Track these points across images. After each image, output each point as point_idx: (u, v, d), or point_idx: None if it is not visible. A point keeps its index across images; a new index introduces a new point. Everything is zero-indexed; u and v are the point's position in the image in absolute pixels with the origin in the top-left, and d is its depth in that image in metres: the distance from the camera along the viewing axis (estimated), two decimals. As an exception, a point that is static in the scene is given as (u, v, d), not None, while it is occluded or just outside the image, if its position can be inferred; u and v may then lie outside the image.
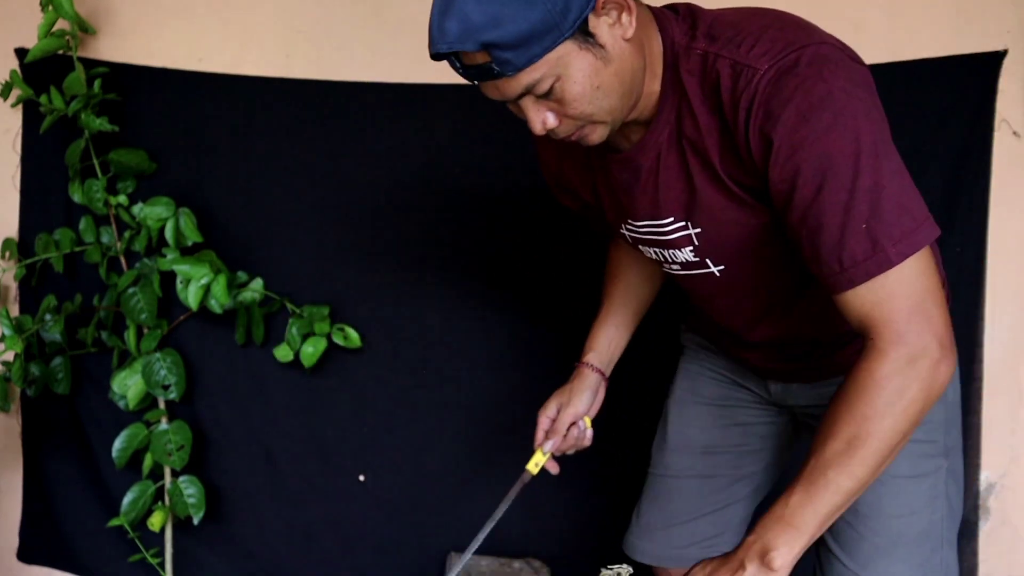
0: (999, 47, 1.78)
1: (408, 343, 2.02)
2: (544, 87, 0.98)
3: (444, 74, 2.07)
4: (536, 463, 1.40)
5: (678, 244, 1.18)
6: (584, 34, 0.96)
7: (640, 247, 1.26)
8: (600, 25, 0.97)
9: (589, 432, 1.43)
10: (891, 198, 0.95)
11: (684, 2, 1.11)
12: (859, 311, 0.97)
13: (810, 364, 1.30)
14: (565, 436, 1.40)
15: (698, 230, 1.14)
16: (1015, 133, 1.80)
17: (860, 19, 1.82)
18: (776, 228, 1.07)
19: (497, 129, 1.96)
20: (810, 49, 0.96)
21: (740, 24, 1.02)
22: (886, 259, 0.94)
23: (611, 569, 1.26)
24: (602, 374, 1.43)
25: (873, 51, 1.81)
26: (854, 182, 0.94)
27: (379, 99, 1.98)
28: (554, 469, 1.42)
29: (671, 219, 1.15)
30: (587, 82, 0.99)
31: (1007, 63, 1.78)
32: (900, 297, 0.95)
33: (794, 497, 0.96)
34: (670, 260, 1.23)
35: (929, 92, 1.79)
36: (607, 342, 1.43)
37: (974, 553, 1.90)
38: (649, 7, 1.09)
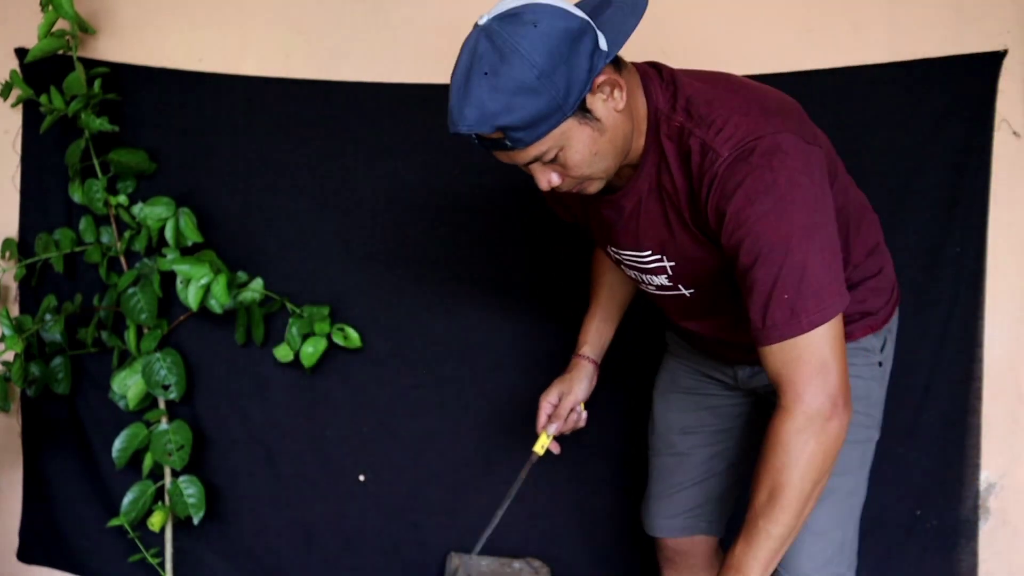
0: (999, 47, 1.78)
1: (408, 343, 2.02)
2: (550, 156, 1.16)
3: (444, 74, 2.07)
4: (542, 445, 1.53)
5: (655, 272, 1.36)
6: (583, 111, 1.13)
7: (622, 267, 1.44)
8: (596, 102, 1.14)
9: (584, 415, 1.59)
10: (812, 276, 1.13)
11: (668, 67, 1.26)
12: (773, 366, 1.17)
13: None
14: (565, 420, 1.55)
15: (672, 263, 1.32)
16: (1015, 133, 1.81)
17: (860, 19, 1.82)
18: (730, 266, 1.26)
19: (497, 129, 1.96)
20: (766, 140, 1.13)
21: (714, 103, 1.18)
22: (799, 326, 1.13)
23: None
24: (596, 363, 1.60)
25: (873, 51, 1.81)
26: (784, 259, 1.13)
27: (379, 99, 1.98)
28: (556, 449, 1.55)
29: (649, 252, 1.33)
30: (586, 150, 1.16)
31: (1007, 63, 1.78)
32: (805, 359, 1.14)
33: (737, 547, 1.18)
34: (647, 283, 1.41)
35: (929, 92, 1.79)
36: (598, 335, 1.61)
37: (974, 553, 1.90)
38: (635, 65, 1.24)
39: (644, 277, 1.39)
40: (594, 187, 1.24)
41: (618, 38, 1.13)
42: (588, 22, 1.10)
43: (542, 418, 1.54)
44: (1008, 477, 1.89)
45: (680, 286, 1.36)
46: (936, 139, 1.80)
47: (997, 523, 1.90)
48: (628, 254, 1.37)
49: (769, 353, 1.16)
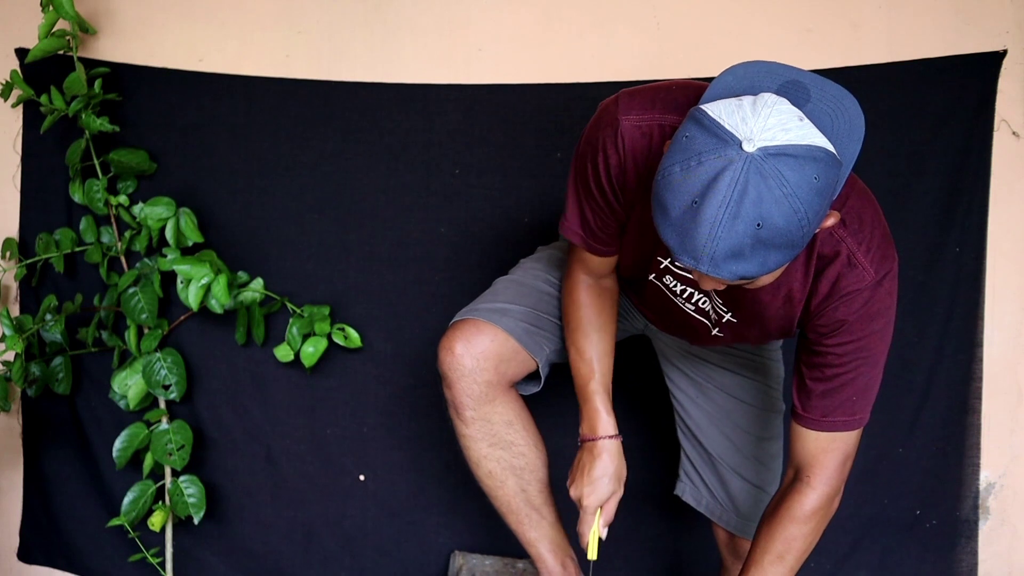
0: (999, 47, 1.78)
1: (408, 343, 2.02)
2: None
3: (444, 74, 2.08)
4: (595, 549, 1.43)
5: (707, 310, 1.36)
6: None
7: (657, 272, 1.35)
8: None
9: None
10: (876, 385, 1.29)
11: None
12: (809, 449, 1.31)
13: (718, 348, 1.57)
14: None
15: (735, 320, 1.34)
16: (1015, 133, 1.81)
17: (860, 19, 1.82)
18: (781, 337, 1.40)
19: (497, 129, 1.96)
20: (895, 267, 1.23)
21: (864, 217, 1.20)
22: (851, 424, 1.30)
23: None
24: (620, 436, 1.46)
25: (873, 51, 1.81)
26: (871, 371, 1.27)
27: (379, 99, 1.98)
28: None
29: (722, 303, 1.33)
30: (780, 272, 1.09)
31: (1007, 63, 1.78)
32: (841, 450, 1.31)
33: None
34: (679, 293, 1.36)
35: (929, 92, 1.79)
36: (608, 405, 1.45)
37: (974, 553, 1.90)
38: None
39: (685, 294, 1.35)
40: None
41: (843, 170, 1.04)
42: (840, 162, 1.01)
43: (589, 520, 1.43)
44: (1008, 477, 1.90)
45: (717, 328, 1.38)
46: (936, 139, 1.80)
47: (997, 523, 1.91)
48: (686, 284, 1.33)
49: (813, 437, 1.31)
